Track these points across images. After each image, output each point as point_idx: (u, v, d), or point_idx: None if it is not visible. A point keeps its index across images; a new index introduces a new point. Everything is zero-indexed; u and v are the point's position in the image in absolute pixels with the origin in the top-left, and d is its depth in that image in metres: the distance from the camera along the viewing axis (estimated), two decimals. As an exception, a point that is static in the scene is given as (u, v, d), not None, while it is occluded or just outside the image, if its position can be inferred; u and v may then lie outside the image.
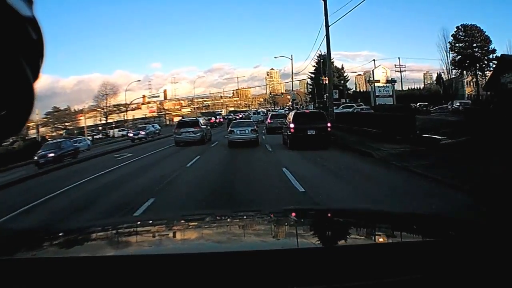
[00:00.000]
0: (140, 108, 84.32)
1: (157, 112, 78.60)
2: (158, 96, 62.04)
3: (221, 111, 79.63)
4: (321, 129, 15.73)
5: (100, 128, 70.81)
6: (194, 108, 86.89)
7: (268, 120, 29.39)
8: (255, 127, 19.52)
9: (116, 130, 58.34)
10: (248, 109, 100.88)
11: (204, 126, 23.53)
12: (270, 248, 1.31)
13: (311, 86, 72.80)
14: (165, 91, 57.72)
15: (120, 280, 0.98)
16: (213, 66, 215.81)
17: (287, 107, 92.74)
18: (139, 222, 2.30)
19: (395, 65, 55.45)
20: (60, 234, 1.83)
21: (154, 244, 1.62)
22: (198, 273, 0.98)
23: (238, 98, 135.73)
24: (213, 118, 48.77)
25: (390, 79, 50.24)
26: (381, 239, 1.54)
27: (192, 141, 21.02)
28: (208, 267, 1.00)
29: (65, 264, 1.11)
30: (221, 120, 52.13)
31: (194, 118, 26.76)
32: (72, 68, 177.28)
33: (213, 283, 0.96)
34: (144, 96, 59.58)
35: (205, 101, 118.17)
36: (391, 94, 48.63)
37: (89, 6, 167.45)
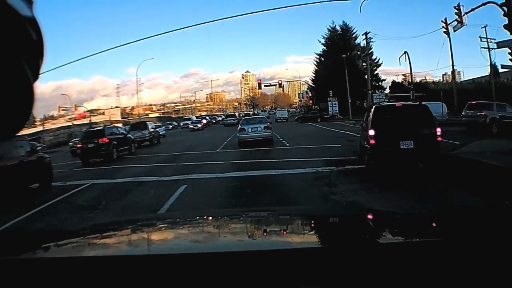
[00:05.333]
0: (103, 114, 76.28)
1: (122, 118, 70.99)
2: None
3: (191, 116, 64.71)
4: (424, 139, 8.81)
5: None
6: (162, 112, 78.74)
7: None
8: (268, 123, 18.00)
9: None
10: (221, 113, 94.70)
11: (238, 117, 43.04)
12: (273, 248, 1.30)
13: (313, 77, 56.85)
14: None
15: (122, 280, 0.99)
16: (189, 71, 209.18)
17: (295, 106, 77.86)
18: (144, 222, 2.22)
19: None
20: (66, 235, 1.82)
21: (161, 244, 1.62)
22: (198, 273, 0.99)
23: (211, 102, 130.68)
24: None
25: None
26: (382, 239, 1.50)
27: (234, 124, 36.46)
28: (207, 267, 1.01)
29: (68, 264, 1.12)
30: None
31: (235, 113, 56.94)
32: (50, 73, 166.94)
33: (214, 283, 0.96)
34: None
35: (176, 105, 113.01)
36: None
37: (67, 11, 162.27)
